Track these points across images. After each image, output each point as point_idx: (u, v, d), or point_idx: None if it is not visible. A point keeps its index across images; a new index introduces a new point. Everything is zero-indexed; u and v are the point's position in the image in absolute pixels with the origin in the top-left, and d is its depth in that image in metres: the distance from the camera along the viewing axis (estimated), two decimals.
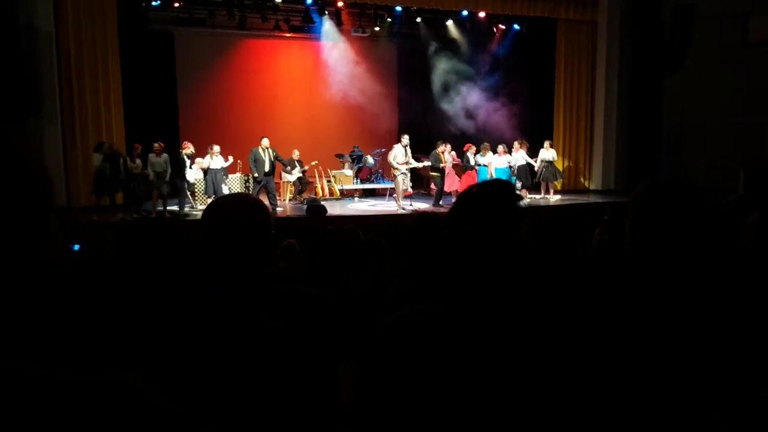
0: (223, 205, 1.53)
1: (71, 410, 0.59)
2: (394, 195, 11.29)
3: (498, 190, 1.28)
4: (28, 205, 0.65)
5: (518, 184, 11.72)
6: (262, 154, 10.28)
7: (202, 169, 10.52)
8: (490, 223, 1.21)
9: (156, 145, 9.84)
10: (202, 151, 10.70)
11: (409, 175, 10.89)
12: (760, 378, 1.35)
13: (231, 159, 10.93)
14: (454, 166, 12.05)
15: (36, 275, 0.65)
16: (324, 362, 1.43)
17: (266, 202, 10.00)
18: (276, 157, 10.50)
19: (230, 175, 11.44)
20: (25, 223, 0.65)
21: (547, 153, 12.16)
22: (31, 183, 0.66)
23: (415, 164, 11.12)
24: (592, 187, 14.60)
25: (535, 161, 12.10)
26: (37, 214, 0.66)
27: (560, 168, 12.93)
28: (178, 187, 10.08)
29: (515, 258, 1.22)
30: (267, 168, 10.24)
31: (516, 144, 11.99)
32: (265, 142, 10.35)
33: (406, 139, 10.92)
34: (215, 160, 10.41)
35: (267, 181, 10.37)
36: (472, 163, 11.73)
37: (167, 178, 9.86)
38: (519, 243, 1.24)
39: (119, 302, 1.38)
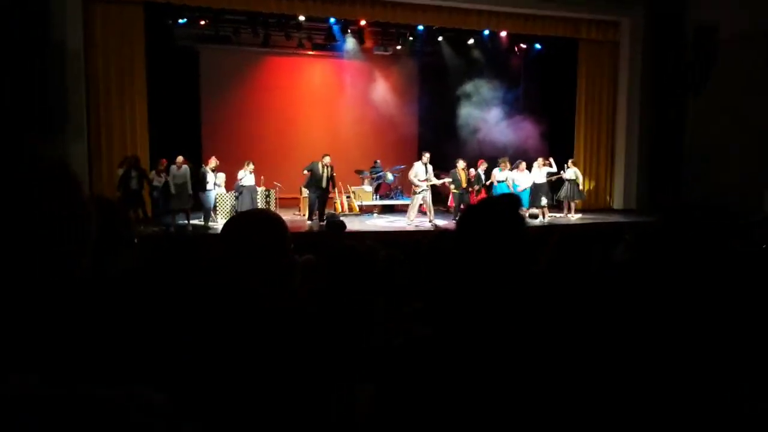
0: (241, 219, 1.57)
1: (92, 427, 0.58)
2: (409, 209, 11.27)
3: (499, 204, 1.27)
4: (73, 219, 0.64)
5: (543, 201, 11.62)
6: (319, 169, 10.61)
7: (237, 185, 10.59)
8: (493, 237, 1.20)
9: (179, 158, 10.00)
10: (224, 167, 10.80)
11: (430, 192, 10.89)
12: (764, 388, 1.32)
13: (261, 184, 11.25)
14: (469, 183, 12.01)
15: (71, 292, 0.64)
16: (322, 378, 1.42)
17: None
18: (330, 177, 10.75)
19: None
20: (69, 238, 0.64)
21: (570, 171, 12.09)
22: (75, 194, 0.65)
23: (435, 181, 11.13)
24: (613, 207, 14.45)
25: (556, 177, 12.05)
26: (80, 229, 0.65)
27: (582, 187, 12.80)
28: (201, 200, 10.20)
29: (524, 273, 1.21)
30: (324, 184, 10.63)
31: (536, 163, 11.92)
32: (326, 159, 10.65)
33: (426, 156, 10.95)
34: (248, 177, 10.47)
35: (319, 196, 10.69)
36: (484, 180, 11.73)
37: (189, 191, 10.00)
38: (527, 257, 1.23)
39: (134, 315, 1.39)
